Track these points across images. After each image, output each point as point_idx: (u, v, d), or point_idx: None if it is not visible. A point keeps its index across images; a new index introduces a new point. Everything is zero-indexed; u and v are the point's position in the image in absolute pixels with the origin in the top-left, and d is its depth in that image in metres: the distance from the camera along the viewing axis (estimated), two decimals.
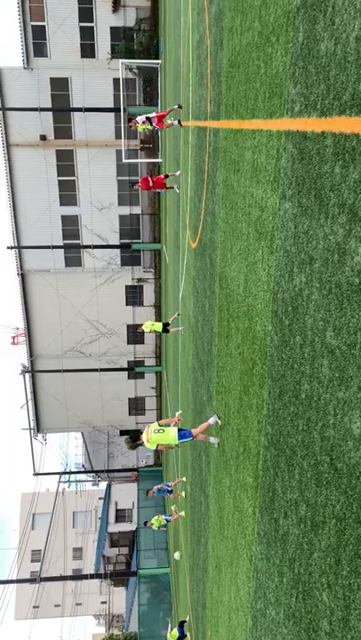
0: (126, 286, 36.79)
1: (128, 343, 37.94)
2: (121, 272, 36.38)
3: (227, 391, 8.29)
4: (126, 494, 46.92)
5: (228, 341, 8.08)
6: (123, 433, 41.91)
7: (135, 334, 37.27)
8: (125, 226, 35.75)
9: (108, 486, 48.86)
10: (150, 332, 20.56)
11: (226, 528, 8.93)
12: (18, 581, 34.67)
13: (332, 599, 3.90)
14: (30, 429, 38.09)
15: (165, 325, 19.23)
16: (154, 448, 10.26)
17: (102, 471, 46.46)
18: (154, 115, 16.76)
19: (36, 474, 39.30)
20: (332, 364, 3.85)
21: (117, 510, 48.54)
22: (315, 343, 4.19)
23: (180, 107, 15.94)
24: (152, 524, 21.21)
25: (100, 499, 50.45)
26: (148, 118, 16.98)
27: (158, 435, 10.05)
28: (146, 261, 36.53)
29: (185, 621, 20.11)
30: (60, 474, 41.48)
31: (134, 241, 34.96)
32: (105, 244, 35.52)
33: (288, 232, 4.85)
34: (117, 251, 35.84)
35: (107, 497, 48.36)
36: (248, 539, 6.99)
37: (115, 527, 47.71)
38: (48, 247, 34.50)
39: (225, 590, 9.26)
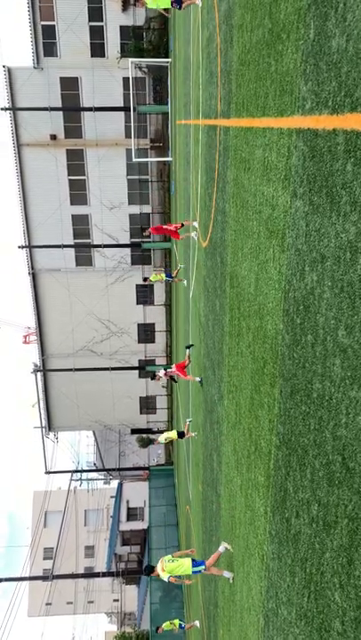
0: (137, 285, 36.87)
1: (139, 342, 38.06)
2: (131, 271, 36.48)
3: (238, 390, 8.28)
4: (138, 493, 47.10)
5: (238, 340, 8.07)
6: (134, 431, 42.03)
7: (146, 333, 37.39)
8: (136, 225, 35.82)
9: (120, 485, 49.10)
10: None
11: (237, 527, 8.92)
12: (30, 579, 34.96)
13: (345, 599, 3.88)
14: (42, 428, 38.35)
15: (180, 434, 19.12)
16: (166, 579, 10.92)
17: (114, 469, 46.66)
18: (173, 369, 17.44)
19: (48, 472, 39.55)
20: (345, 363, 3.82)
21: (129, 509, 48.77)
22: (326, 342, 4.17)
23: (189, 347, 16.68)
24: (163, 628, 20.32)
25: (111, 497, 50.68)
26: (169, 376, 17.89)
27: (173, 564, 10.77)
28: (156, 261, 36.60)
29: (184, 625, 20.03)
30: (72, 472, 41.73)
31: (145, 240, 35.02)
32: (115, 243, 35.63)
33: (299, 230, 4.83)
34: (128, 250, 35.94)
35: (118, 495, 48.58)
36: (260, 538, 6.98)
37: (126, 525, 47.92)
38: (59, 246, 34.69)
39: (237, 589, 9.25)
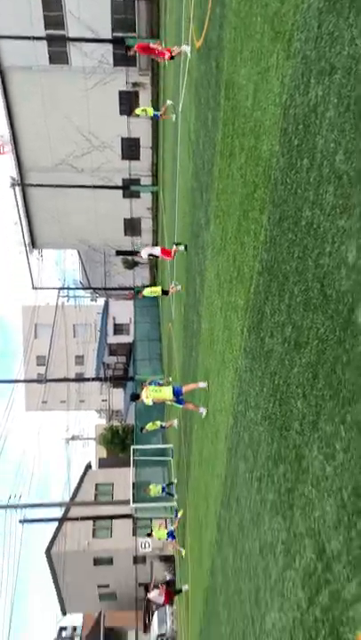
0: (120, 92, 33.47)
1: (123, 158, 36.05)
2: (114, 74, 32.69)
3: (225, 215, 8.15)
4: (124, 310, 49.56)
5: (230, 161, 7.67)
6: (119, 253, 42.45)
7: (130, 148, 35.25)
8: (119, 14, 30.98)
9: (106, 302, 51.33)
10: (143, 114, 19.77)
11: (215, 344, 9.60)
12: (25, 381, 38.48)
13: (306, 406, 4.35)
14: (25, 245, 38.42)
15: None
16: (150, 404, 12.35)
17: (99, 289, 48.29)
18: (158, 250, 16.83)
19: (35, 288, 40.82)
20: (338, 191, 3.70)
21: (115, 324, 51.81)
22: (323, 167, 3.97)
23: (185, 246, 15.44)
24: (148, 428, 21.78)
25: (98, 313, 53.37)
26: (151, 255, 17.07)
27: (155, 393, 12.13)
28: (142, 63, 32.64)
29: (172, 483, 22.99)
30: (59, 289, 43.11)
31: (129, 35, 30.66)
32: (95, 37, 31.19)
33: (310, 33, 4.24)
34: (109, 46, 31.67)
35: (105, 312, 51.15)
36: (235, 354, 7.56)
37: (113, 339, 51.43)
38: (28, 38, 30.30)
39: (211, 395, 10.34)
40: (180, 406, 12.71)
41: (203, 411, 11.42)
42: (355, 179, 3.43)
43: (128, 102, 34.06)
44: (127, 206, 37.67)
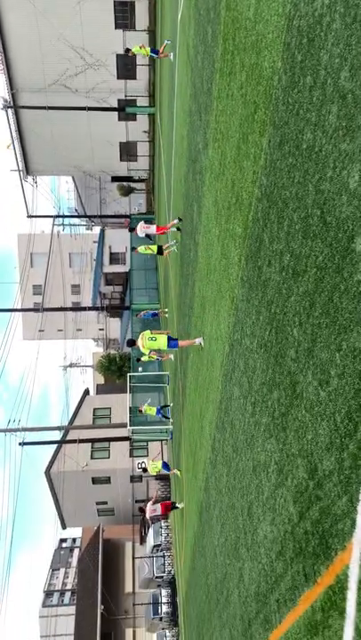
0: (115, 2, 31.13)
1: (118, 78, 34.12)
2: None
3: (224, 138, 7.83)
4: (120, 239, 48.84)
5: (230, 80, 7.27)
6: (114, 179, 41.20)
7: (126, 67, 33.28)
8: None
9: (102, 231, 50.48)
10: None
11: (212, 273, 9.56)
12: (22, 310, 38.64)
13: (302, 334, 4.41)
14: (19, 171, 37.17)
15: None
16: (147, 353, 13.06)
17: (95, 216, 47.33)
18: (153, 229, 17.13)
19: (30, 216, 39.97)
20: (341, 112, 3.53)
21: (111, 253, 51.25)
22: (326, 85, 3.76)
23: (180, 219, 15.46)
24: (145, 410, 22.38)
25: (94, 242, 52.63)
26: (147, 236, 17.26)
27: (151, 342, 12.65)
28: None
29: (168, 406, 23.39)
30: (54, 217, 42.22)
31: None
32: None
33: None
34: None
35: (101, 241, 50.43)
36: (232, 283, 7.55)
37: (109, 268, 51.09)
38: None
39: (207, 324, 10.44)
40: (176, 348, 13.34)
41: (199, 341, 11.62)
42: (360, 98, 3.27)
43: (124, 14, 31.71)
44: (123, 129, 36.08)
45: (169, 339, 12.81)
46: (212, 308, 9.62)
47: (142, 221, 19.18)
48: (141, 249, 19.75)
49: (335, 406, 3.69)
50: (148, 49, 20.97)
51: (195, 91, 11.61)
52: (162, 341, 12.74)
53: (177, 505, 18.40)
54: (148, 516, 18.57)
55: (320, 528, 4.02)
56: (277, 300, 5.12)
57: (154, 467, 20.79)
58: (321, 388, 3.95)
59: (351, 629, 3.50)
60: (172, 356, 20.87)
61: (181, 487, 18.73)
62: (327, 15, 3.73)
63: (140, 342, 12.85)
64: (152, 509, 18.04)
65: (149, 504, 18.38)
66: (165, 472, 21.54)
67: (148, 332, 13.28)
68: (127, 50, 20.55)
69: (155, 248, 19.34)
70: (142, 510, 18.91)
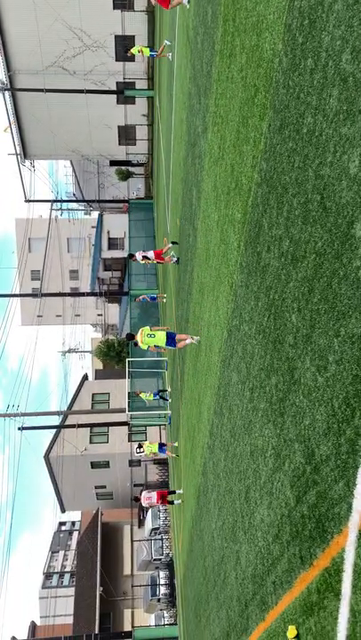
0: None
1: (116, 60, 33.62)
2: None
3: (224, 122, 7.75)
4: (118, 224, 48.57)
5: (230, 62, 7.17)
6: (113, 163, 40.81)
7: (125, 47, 32.77)
8: None
9: (100, 216, 50.17)
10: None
11: (211, 258, 9.53)
12: (21, 295, 38.58)
13: (300, 320, 4.41)
14: (17, 155, 36.81)
15: None
16: (146, 349, 13.07)
17: (93, 201, 46.99)
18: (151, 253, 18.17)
19: (28, 200, 39.68)
20: (342, 95, 3.49)
21: (110, 238, 51.00)
22: (327, 68, 3.71)
23: (175, 243, 16.37)
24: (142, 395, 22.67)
25: (92, 227, 52.35)
26: (145, 257, 18.13)
27: (150, 339, 12.88)
28: None
29: (165, 390, 23.51)
30: (52, 202, 41.93)
31: None
32: None
33: None
34: None
35: (99, 226, 50.15)
36: (231, 269, 7.53)
37: (108, 254, 50.87)
38: None
39: (206, 310, 10.44)
40: (174, 348, 13.65)
41: (196, 340, 12.01)
42: None
43: None
44: (121, 113, 35.66)
45: (168, 336, 12.98)
46: (211, 293, 9.60)
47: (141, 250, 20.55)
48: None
49: (333, 392, 3.70)
50: (147, 49, 21.12)
51: (194, 73, 11.46)
52: (160, 338, 12.94)
53: (174, 501, 18.25)
54: (143, 504, 18.47)
55: (317, 512, 4.07)
56: (276, 286, 5.11)
57: (149, 448, 21.02)
58: (319, 373, 3.96)
59: (346, 610, 3.55)
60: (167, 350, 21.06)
61: (179, 470, 18.90)
62: None
63: (138, 338, 13.09)
64: (147, 497, 18.05)
65: (144, 492, 18.39)
66: (162, 455, 21.60)
67: (148, 328, 13.44)
68: (127, 50, 20.80)
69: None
70: (137, 499, 18.78)
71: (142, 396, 22.93)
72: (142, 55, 21.26)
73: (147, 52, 20.56)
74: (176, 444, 19.49)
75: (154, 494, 18.13)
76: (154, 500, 18.04)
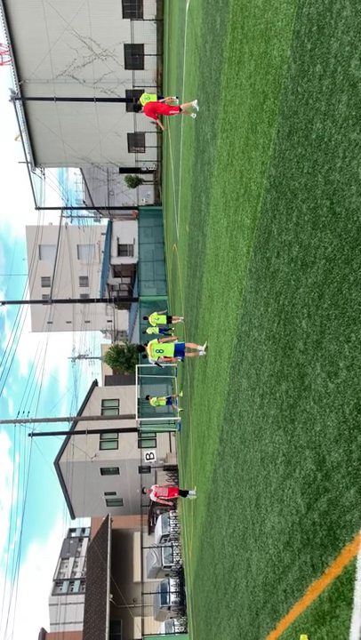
0: None
1: (126, 68, 33.91)
2: None
3: (233, 128, 7.77)
4: (128, 231, 48.78)
5: (239, 69, 7.20)
6: (122, 170, 41.06)
7: (134, 57, 33.06)
8: None
9: (110, 222, 50.44)
10: None
11: (220, 264, 9.53)
12: (31, 302, 38.83)
13: (310, 326, 4.39)
14: (27, 163, 37.17)
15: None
16: (156, 359, 13.89)
17: (103, 208, 47.27)
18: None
19: (38, 208, 40.00)
20: (351, 101, 3.49)
21: (119, 245, 51.20)
22: (336, 74, 3.72)
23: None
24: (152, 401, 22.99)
25: (102, 234, 52.63)
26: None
27: (159, 353, 13.77)
28: None
29: (173, 397, 23.72)
30: (62, 209, 42.23)
31: None
32: None
33: None
34: None
35: (109, 232, 50.40)
36: (240, 274, 7.52)
37: (117, 260, 51.07)
38: None
39: (215, 315, 10.43)
40: (182, 358, 14.54)
41: (201, 352, 12.55)
42: None
43: (131, 3, 31.45)
44: (131, 120, 35.90)
45: (176, 348, 13.80)
46: (221, 299, 9.60)
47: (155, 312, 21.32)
48: (154, 316, 20.85)
49: (344, 398, 3.68)
50: (155, 96, 21.73)
51: (203, 80, 11.52)
52: (169, 351, 13.83)
53: (190, 492, 17.30)
54: (153, 497, 17.92)
55: (328, 519, 4.03)
56: (286, 292, 5.09)
57: (156, 401, 21.84)
58: (330, 379, 3.94)
59: (359, 619, 3.51)
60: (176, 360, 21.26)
61: (189, 477, 18.81)
62: (337, 2, 3.68)
63: (148, 351, 14.02)
64: (159, 490, 17.56)
65: (154, 487, 17.96)
66: (170, 405, 21.67)
67: (156, 342, 14.33)
68: (136, 100, 21.33)
69: (164, 318, 19.87)
70: (145, 491, 18.34)
71: (152, 401, 22.92)
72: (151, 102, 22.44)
73: (154, 97, 21.15)
74: (181, 394, 19.97)
75: (166, 489, 17.68)
76: (165, 494, 17.51)
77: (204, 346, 12.19)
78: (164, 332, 23.30)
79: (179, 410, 20.57)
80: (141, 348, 14.79)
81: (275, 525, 5.70)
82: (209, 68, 10.41)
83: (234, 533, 8.57)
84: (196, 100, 13.57)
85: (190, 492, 16.98)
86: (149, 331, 22.27)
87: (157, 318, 20.49)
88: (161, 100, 20.70)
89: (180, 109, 14.72)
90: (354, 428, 3.51)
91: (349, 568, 3.64)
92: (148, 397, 23.42)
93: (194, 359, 15.23)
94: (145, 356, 15.73)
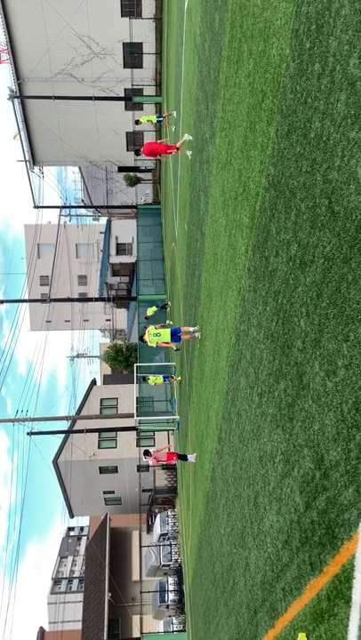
0: None
1: (124, 67, 33.87)
2: None
3: (231, 127, 7.77)
4: (126, 229, 48.76)
5: (237, 68, 7.19)
6: (121, 169, 41.05)
7: (133, 55, 33.02)
8: None
9: (109, 221, 50.41)
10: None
11: (219, 263, 9.53)
12: (30, 301, 38.78)
13: (309, 325, 4.39)
14: (26, 161, 37.12)
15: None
16: (154, 345, 14.83)
17: (102, 207, 47.24)
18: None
19: (37, 207, 39.95)
20: (350, 99, 3.49)
21: (118, 244, 51.19)
22: (335, 73, 3.72)
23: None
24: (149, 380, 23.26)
25: (100, 233, 52.61)
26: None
27: (157, 337, 14.80)
28: None
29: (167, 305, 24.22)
30: (61, 207, 42.18)
31: None
32: None
33: None
34: None
35: (107, 231, 50.38)
36: (239, 273, 7.53)
37: (116, 259, 51.05)
38: None
39: (214, 314, 10.43)
40: (179, 342, 15.29)
41: (196, 334, 13.11)
42: None
43: (130, 2, 31.40)
44: (130, 119, 35.86)
45: (172, 332, 14.58)
46: (219, 298, 9.60)
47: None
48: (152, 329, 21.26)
49: (342, 397, 3.68)
50: (155, 117, 22.78)
51: (202, 79, 11.52)
52: (165, 335, 14.62)
53: (189, 457, 16.09)
54: (152, 462, 17.36)
55: (326, 518, 4.04)
56: (284, 291, 5.10)
57: (153, 379, 22.21)
58: (328, 378, 3.95)
59: (357, 617, 3.52)
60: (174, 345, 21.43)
61: (187, 475, 18.82)
62: (336, 1, 3.68)
63: (146, 337, 14.79)
64: (158, 454, 17.13)
65: (153, 450, 17.53)
66: (166, 381, 22.26)
67: (153, 327, 15.11)
68: (137, 121, 22.40)
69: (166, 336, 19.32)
70: (147, 453, 17.53)
71: (150, 380, 23.16)
72: (151, 123, 23.63)
73: (154, 119, 22.66)
74: (180, 378, 20.38)
75: (164, 453, 17.19)
76: (163, 459, 17.11)
77: (198, 327, 12.95)
78: (162, 308, 24.53)
79: (178, 379, 20.75)
80: (141, 338, 15.75)
81: (273, 524, 5.71)
82: (208, 67, 10.41)
83: (232, 532, 8.59)
84: (187, 135, 14.31)
85: (189, 456, 16.02)
86: (149, 311, 23.64)
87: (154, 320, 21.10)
88: (160, 119, 21.63)
89: (178, 149, 15.79)
90: (352, 427, 3.52)
91: (348, 566, 3.65)
92: (145, 378, 23.77)
93: (193, 358, 15.24)
94: (143, 341, 16.23)
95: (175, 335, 14.50)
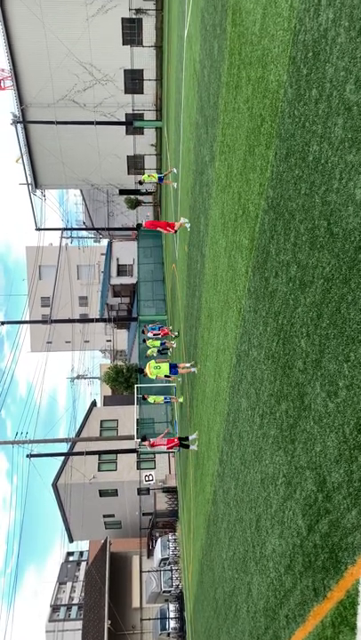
0: (123, 19, 31.66)
1: (125, 92, 34.56)
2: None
3: (231, 151, 7.89)
4: (127, 251, 49.10)
5: (236, 94, 7.34)
6: (122, 192, 41.52)
7: (134, 81, 33.69)
8: None
9: (110, 243, 50.78)
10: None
11: (219, 284, 9.57)
12: (31, 322, 38.85)
13: (309, 345, 4.39)
14: (28, 184, 37.59)
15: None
16: (154, 377, 16.78)
17: (103, 229, 47.65)
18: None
19: (38, 229, 40.30)
20: (347, 124, 3.55)
21: (119, 265, 51.49)
22: (332, 98, 3.79)
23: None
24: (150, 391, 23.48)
25: (101, 254, 52.97)
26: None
27: (156, 370, 16.46)
28: None
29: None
30: (62, 230, 42.56)
31: None
32: None
33: None
34: None
35: (108, 253, 50.72)
36: (239, 294, 7.55)
37: (117, 280, 51.29)
38: None
39: (214, 335, 10.43)
40: (177, 375, 16.55)
41: (193, 369, 14.29)
42: None
43: (131, 30, 32.21)
44: (130, 143, 36.47)
45: (170, 366, 16.09)
46: (220, 318, 9.62)
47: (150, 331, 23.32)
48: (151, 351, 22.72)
49: (344, 418, 3.66)
50: (156, 175, 23.70)
51: (201, 104, 11.73)
52: (165, 368, 16.05)
53: (190, 445, 15.51)
54: (148, 448, 16.76)
55: (330, 541, 3.97)
56: (285, 311, 5.11)
57: (154, 398, 22.26)
58: (329, 399, 3.93)
59: None
60: (180, 379, 21.17)
61: (188, 498, 18.56)
62: (332, 29, 3.77)
63: (147, 370, 16.25)
64: (157, 439, 16.63)
65: (153, 439, 17.04)
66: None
67: (153, 361, 16.72)
68: (140, 182, 22.83)
69: (165, 369, 18.86)
70: (144, 438, 16.91)
71: (151, 398, 22.93)
72: (152, 181, 24.01)
73: (155, 177, 23.28)
74: (181, 400, 20.40)
75: (165, 440, 16.57)
76: (163, 444, 16.44)
77: (191, 364, 14.16)
78: (162, 345, 24.08)
79: (180, 399, 20.71)
80: (141, 370, 17.26)
81: (276, 548, 5.62)
82: (207, 92, 10.62)
83: (234, 556, 8.44)
84: (184, 219, 15.06)
85: (191, 437, 15.44)
86: (149, 352, 23.23)
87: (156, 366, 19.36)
88: (161, 176, 22.44)
89: (176, 231, 17.07)
90: (354, 448, 3.49)
91: (352, 592, 3.58)
92: (144, 397, 23.27)
93: (193, 379, 15.18)
94: (144, 375, 17.54)
95: (173, 368, 16.15)
